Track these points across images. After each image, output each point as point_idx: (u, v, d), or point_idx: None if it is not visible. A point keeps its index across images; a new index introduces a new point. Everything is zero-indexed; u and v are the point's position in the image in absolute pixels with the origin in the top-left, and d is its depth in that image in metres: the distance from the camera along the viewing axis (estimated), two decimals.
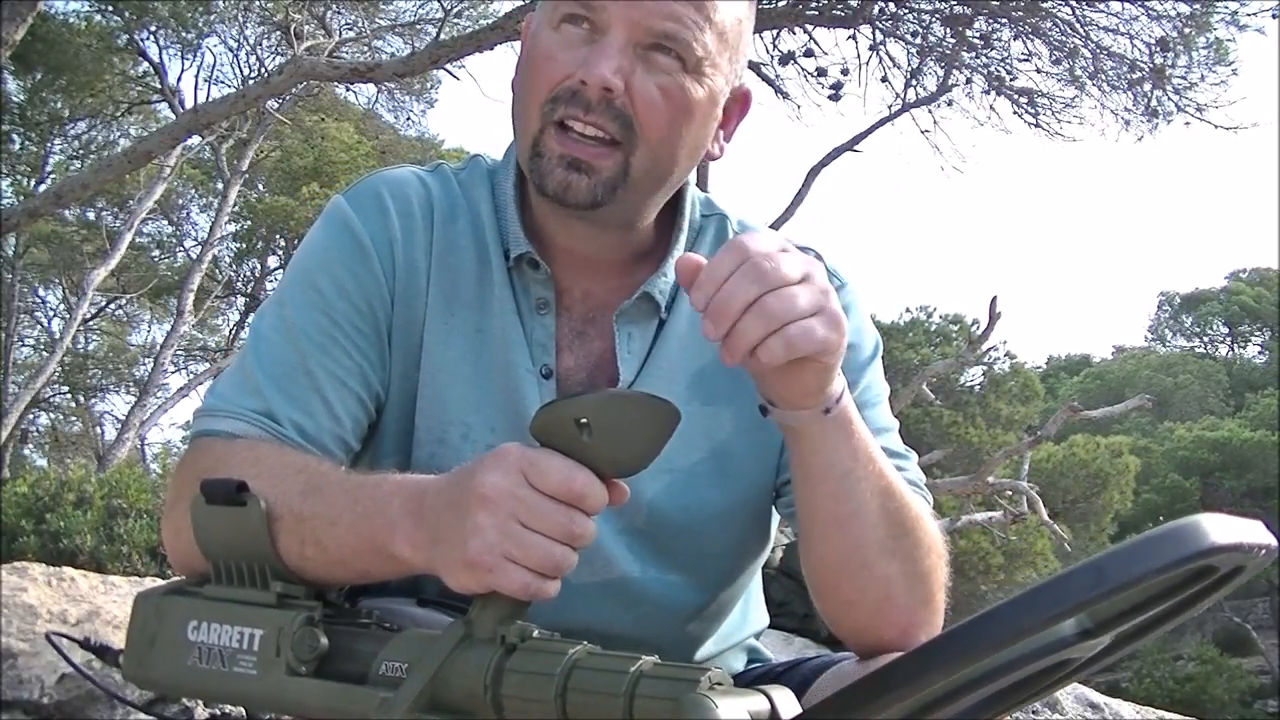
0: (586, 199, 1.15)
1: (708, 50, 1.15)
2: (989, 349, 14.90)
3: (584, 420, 0.88)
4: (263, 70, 12.40)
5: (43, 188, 13.96)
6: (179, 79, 28.37)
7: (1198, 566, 0.70)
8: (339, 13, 12.26)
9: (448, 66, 7.24)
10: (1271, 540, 0.71)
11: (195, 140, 12.09)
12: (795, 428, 1.07)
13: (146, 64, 14.48)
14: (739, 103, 1.24)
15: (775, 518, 1.34)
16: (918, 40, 8.33)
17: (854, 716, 0.71)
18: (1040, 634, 0.72)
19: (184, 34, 14.20)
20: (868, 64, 8.33)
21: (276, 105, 10.96)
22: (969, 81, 8.66)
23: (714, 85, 1.18)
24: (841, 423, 1.07)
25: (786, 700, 0.84)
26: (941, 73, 8.64)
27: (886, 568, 1.12)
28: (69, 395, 19.39)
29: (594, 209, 1.16)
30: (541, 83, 1.15)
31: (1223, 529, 0.68)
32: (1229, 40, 8.23)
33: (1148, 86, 8.27)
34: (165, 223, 17.49)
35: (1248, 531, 0.69)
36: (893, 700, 0.70)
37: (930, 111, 8.90)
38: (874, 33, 8.18)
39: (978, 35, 8.30)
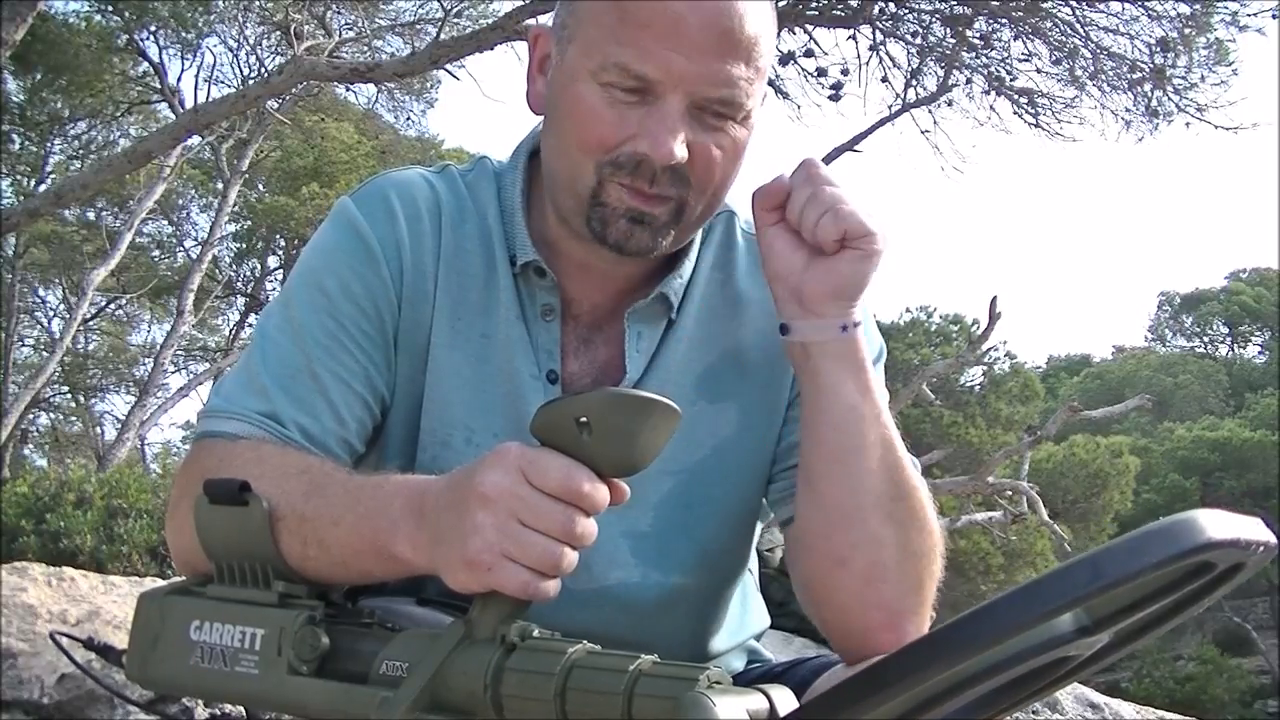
0: (647, 248, 1.17)
1: (755, 99, 1.16)
2: (989, 349, 14.89)
3: (584, 419, 0.88)
4: (263, 70, 12.39)
5: (43, 188, 13.95)
6: (179, 79, 28.42)
7: (1195, 562, 0.69)
8: (339, 13, 12.25)
9: (448, 66, 7.22)
10: (1270, 537, 0.70)
11: (195, 140, 12.08)
12: (810, 349, 1.14)
13: (146, 64, 14.48)
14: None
15: (768, 515, 1.34)
16: (918, 40, 8.33)
17: (851, 713, 0.71)
18: (1037, 630, 0.71)
19: (184, 34, 14.20)
20: (868, 64, 8.33)
21: (276, 105, 10.95)
22: (969, 81, 8.66)
23: (755, 120, 1.19)
24: (853, 352, 1.15)
25: (785, 699, 0.84)
26: (941, 73, 8.62)
27: (881, 529, 1.12)
28: (69, 395, 19.40)
29: (650, 254, 1.18)
30: (594, 141, 1.14)
31: (1220, 524, 0.67)
32: (1229, 41, 8.24)
33: (1148, 87, 8.26)
34: (165, 223, 17.49)
35: (1246, 528, 0.69)
36: (889, 696, 0.69)
37: (930, 111, 8.89)
38: (874, 33, 8.18)
39: (978, 35, 8.30)
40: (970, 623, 0.68)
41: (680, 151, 1.12)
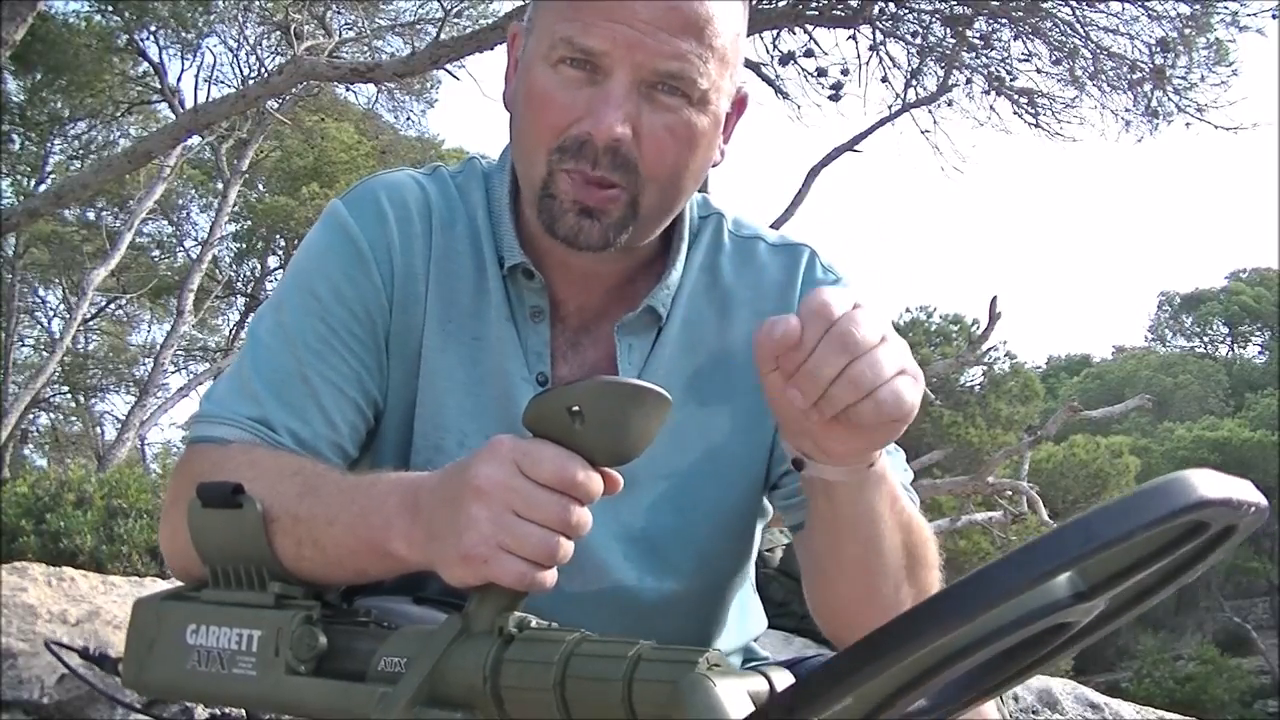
0: (599, 242, 1.15)
1: (711, 80, 1.13)
2: (989, 349, 14.89)
3: (576, 408, 0.88)
4: (263, 70, 12.38)
5: (43, 188, 13.97)
6: (179, 79, 28.40)
7: (1189, 522, 0.69)
8: (339, 13, 12.26)
9: (448, 66, 7.23)
10: (1260, 499, 0.70)
11: (195, 140, 12.09)
12: (833, 482, 1.05)
13: (146, 64, 14.50)
14: (737, 107, 1.23)
15: (766, 516, 1.34)
16: (918, 40, 8.34)
17: (848, 684, 0.71)
18: (1033, 594, 0.71)
19: (184, 34, 14.21)
20: (868, 64, 8.34)
21: (276, 105, 10.96)
22: (969, 81, 8.66)
23: (717, 110, 1.17)
24: (879, 474, 1.06)
25: (785, 681, 0.83)
26: (941, 73, 8.63)
27: (897, 595, 1.12)
28: (69, 395, 19.40)
29: (604, 249, 1.16)
30: (544, 126, 1.13)
31: (1212, 483, 0.67)
32: (1229, 41, 8.25)
33: (1148, 87, 8.27)
34: (165, 223, 17.50)
35: (1237, 488, 0.69)
36: (887, 665, 0.69)
37: (930, 111, 8.89)
38: (874, 33, 8.18)
39: (978, 35, 8.30)
40: (965, 587, 0.67)
41: (620, 128, 1.10)
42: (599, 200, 1.13)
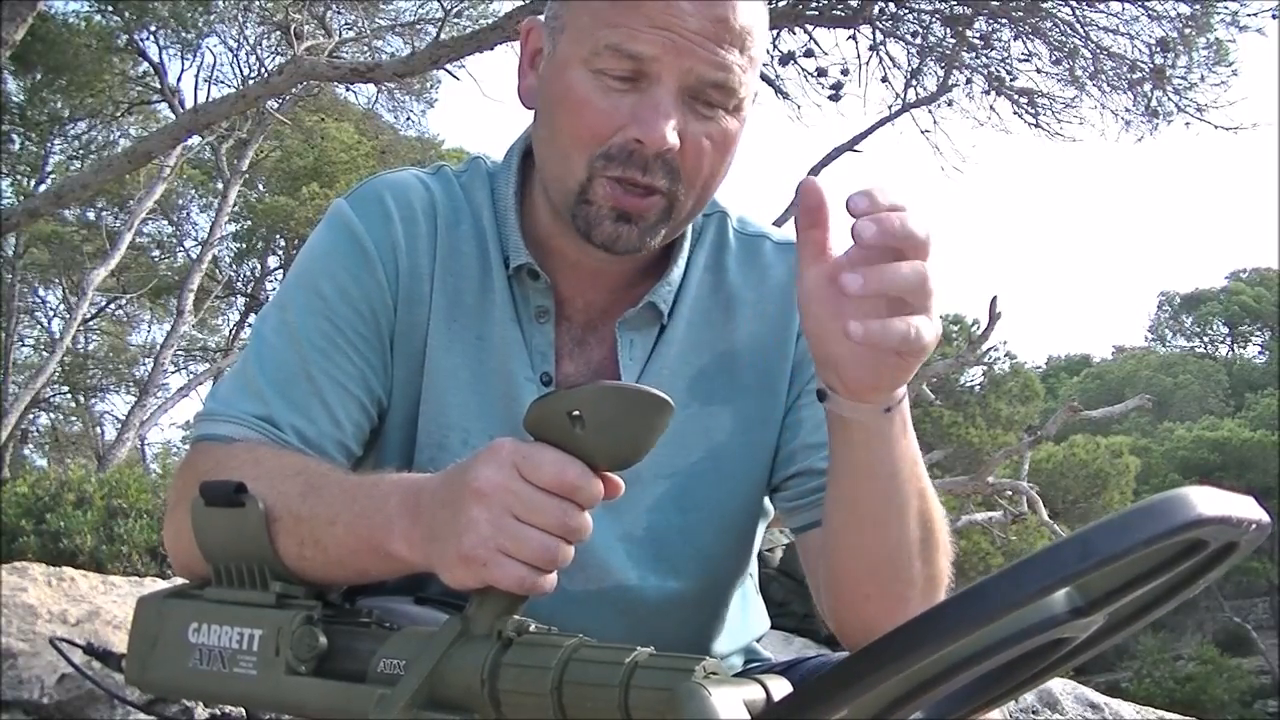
0: (635, 246, 1.15)
1: (749, 90, 1.15)
2: (989, 349, 14.89)
3: (576, 413, 0.88)
4: (263, 70, 12.38)
5: (43, 188, 13.97)
6: (179, 79, 28.42)
7: (1187, 540, 0.69)
8: (339, 13, 12.25)
9: (448, 66, 7.23)
10: (1262, 515, 0.70)
11: (195, 140, 12.08)
12: (851, 422, 1.05)
13: (146, 64, 14.50)
14: None
15: (767, 516, 1.34)
16: (918, 40, 8.34)
17: (846, 695, 0.71)
18: (1031, 610, 0.71)
19: (184, 34, 14.21)
20: (868, 64, 8.34)
21: (276, 105, 10.96)
22: (969, 81, 8.66)
23: (746, 115, 1.18)
24: (900, 421, 1.07)
25: (782, 689, 0.84)
26: (941, 73, 8.63)
27: (910, 569, 1.12)
28: (69, 395, 19.41)
29: (639, 252, 1.17)
30: (586, 131, 1.13)
31: (1211, 501, 0.67)
32: (1229, 41, 8.25)
33: (1148, 87, 8.27)
34: (165, 223, 17.50)
35: (1238, 505, 0.68)
36: (884, 676, 0.69)
37: (930, 111, 8.89)
38: (874, 33, 8.18)
39: (978, 35, 8.30)
40: (962, 602, 0.67)
41: (672, 137, 1.10)
42: (638, 207, 1.14)
